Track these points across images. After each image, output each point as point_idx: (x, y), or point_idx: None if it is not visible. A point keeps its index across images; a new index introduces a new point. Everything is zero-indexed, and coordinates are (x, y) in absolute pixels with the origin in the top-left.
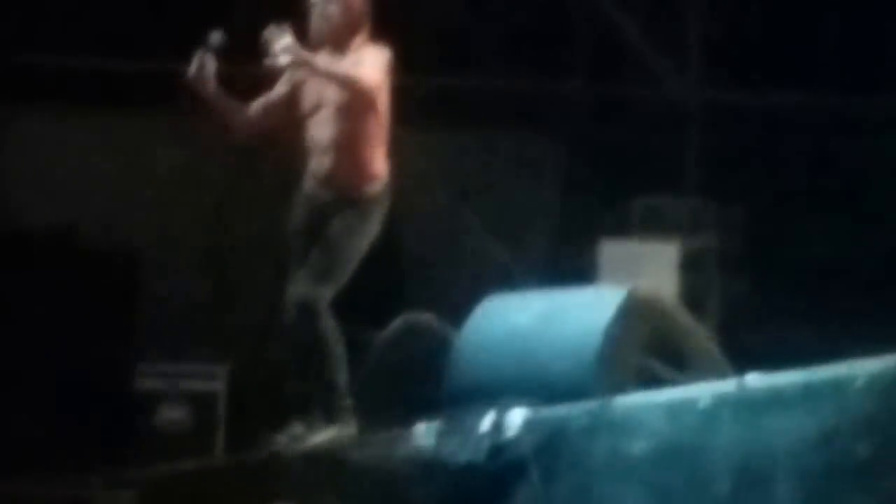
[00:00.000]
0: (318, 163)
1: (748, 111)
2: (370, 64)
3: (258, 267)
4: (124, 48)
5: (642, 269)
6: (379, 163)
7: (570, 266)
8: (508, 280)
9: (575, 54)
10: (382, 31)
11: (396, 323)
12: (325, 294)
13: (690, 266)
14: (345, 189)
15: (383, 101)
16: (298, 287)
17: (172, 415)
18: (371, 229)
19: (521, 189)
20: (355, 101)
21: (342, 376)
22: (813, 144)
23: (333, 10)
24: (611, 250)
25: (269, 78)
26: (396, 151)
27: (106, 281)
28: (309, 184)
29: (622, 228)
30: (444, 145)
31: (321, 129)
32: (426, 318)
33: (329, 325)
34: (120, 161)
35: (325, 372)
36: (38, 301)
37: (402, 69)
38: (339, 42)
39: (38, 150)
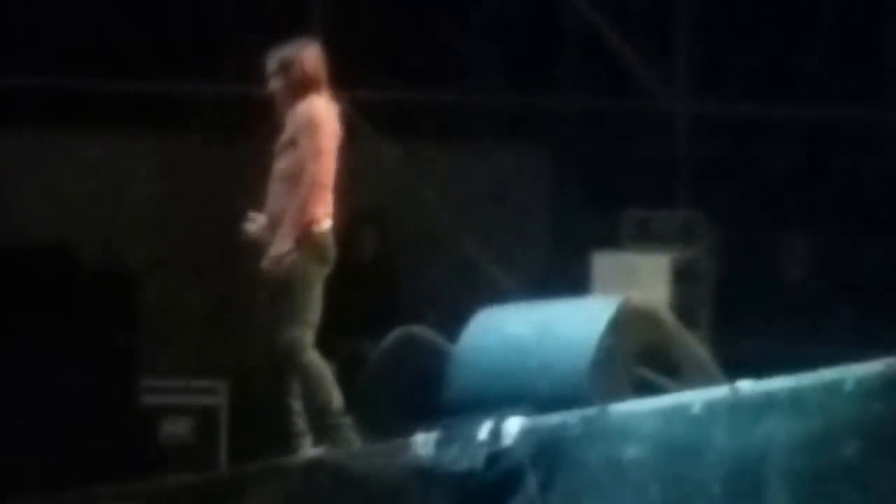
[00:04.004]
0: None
1: (737, 122)
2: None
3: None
4: (117, 68)
5: (635, 280)
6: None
7: (562, 277)
8: (501, 292)
9: (565, 67)
10: (377, 45)
11: (393, 335)
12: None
13: (682, 277)
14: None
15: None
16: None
17: (175, 429)
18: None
19: (513, 202)
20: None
21: (335, 398)
22: (804, 155)
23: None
24: (603, 262)
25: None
26: (387, 166)
27: (105, 298)
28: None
29: (613, 240)
30: (434, 159)
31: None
32: (422, 329)
33: (313, 358)
34: (116, 179)
35: (318, 399)
36: (37, 319)
37: (393, 83)
38: (292, 99)
39: (31, 170)
